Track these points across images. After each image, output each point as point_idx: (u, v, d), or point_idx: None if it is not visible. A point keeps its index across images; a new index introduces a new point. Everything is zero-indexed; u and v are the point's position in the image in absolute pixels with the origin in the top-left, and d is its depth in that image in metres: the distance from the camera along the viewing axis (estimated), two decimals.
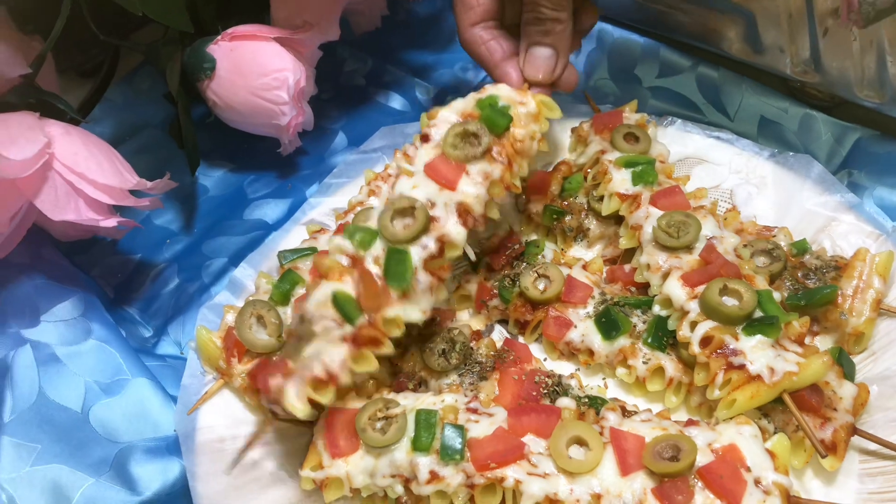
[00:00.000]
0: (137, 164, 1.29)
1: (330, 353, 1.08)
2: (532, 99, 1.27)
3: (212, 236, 1.49)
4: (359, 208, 1.32)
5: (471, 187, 1.19)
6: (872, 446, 1.13)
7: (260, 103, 1.44)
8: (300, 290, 1.23)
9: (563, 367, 1.27)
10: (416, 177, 1.20)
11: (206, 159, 1.61)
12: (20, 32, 1.33)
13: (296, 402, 1.06)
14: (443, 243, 1.17)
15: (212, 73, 1.44)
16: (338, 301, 1.10)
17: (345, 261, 1.13)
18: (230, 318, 1.22)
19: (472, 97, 1.25)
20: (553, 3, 1.26)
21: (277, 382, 1.07)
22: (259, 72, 1.42)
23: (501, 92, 1.25)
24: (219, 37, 1.45)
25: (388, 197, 1.20)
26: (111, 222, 1.21)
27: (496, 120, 1.21)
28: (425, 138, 1.22)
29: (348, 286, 1.11)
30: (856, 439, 1.12)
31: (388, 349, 1.16)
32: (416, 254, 1.15)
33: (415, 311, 1.17)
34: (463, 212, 1.18)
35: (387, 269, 1.14)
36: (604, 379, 1.26)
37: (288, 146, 1.52)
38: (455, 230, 1.17)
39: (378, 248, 1.14)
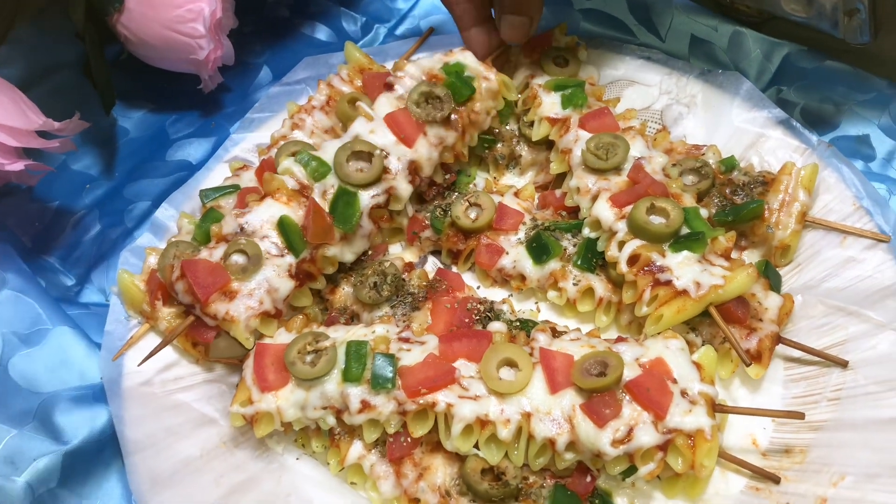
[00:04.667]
0: (51, 108, 1.23)
1: (277, 283, 1.09)
2: (495, 77, 1.30)
3: (134, 179, 1.44)
4: (282, 142, 1.28)
5: (425, 148, 1.22)
6: (796, 353, 1.16)
7: (175, 37, 1.37)
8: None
9: (497, 295, 1.26)
10: (375, 122, 1.22)
11: (125, 100, 1.54)
12: None
13: (247, 335, 1.07)
14: (390, 195, 1.20)
15: (121, 6, 1.36)
16: (284, 227, 1.11)
17: (292, 185, 1.15)
18: (152, 260, 1.19)
19: (440, 59, 1.29)
20: None
21: (224, 308, 1.06)
22: (171, 4, 1.35)
23: (468, 61, 1.29)
24: None
25: (347, 135, 1.21)
26: (17, 165, 1.15)
27: (460, 89, 1.25)
28: (389, 87, 1.26)
29: (294, 214, 1.12)
30: (781, 348, 1.15)
31: (320, 284, 1.18)
32: (365, 199, 1.18)
33: (349, 254, 1.20)
34: (413, 170, 1.22)
35: (334, 208, 1.16)
36: (536, 303, 1.26)
37: (209, 82, 1.46)
38: (403, 186, 1.21)
39: (328, 184, 1.17)
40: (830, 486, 1.02)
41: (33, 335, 1.15)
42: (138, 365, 1.09)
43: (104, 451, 1.09)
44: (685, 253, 1.13)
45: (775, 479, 1.05)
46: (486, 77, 1.28)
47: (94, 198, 1.42)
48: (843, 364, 1.12)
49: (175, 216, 1.27)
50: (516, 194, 1.32)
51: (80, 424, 1.08)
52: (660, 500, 1.07)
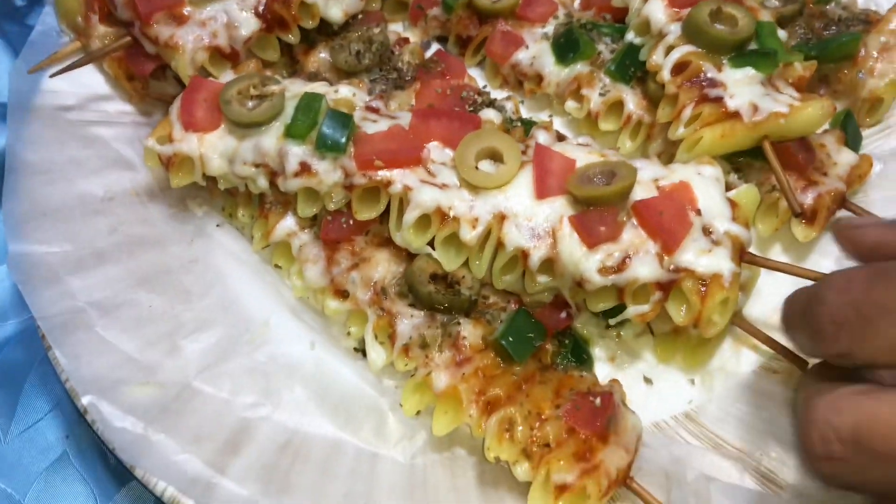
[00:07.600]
0: None
1: (238, 19, 0.94)
2: None
3: None
4: None
5: None
6: None
7: None
8: None
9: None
10: None
11: None
12: None
13: (188, 67, 0.91)
14: None
15: None
16: None
17: None
18: None
19: None
20: None
21: (168, 31, 0.91)
22: None
23: None
24: None
25: None
26: None
27: None
28: None
29: None
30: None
31: (293, 37, 0.99)
32: None
33: (336, 8, 1.01)
34: None
35: None
36: (550, 116, 1.03)
37: None
38: None
39: None
40: None
41: None
42: (51, 76, 0.91)
43: None
44: (748, 70, 0.88)
45: (802, 364, 0.82)
46: None
47: None
48: None
49: None
50: None
51: None
52: (649, 362, 0.85)
